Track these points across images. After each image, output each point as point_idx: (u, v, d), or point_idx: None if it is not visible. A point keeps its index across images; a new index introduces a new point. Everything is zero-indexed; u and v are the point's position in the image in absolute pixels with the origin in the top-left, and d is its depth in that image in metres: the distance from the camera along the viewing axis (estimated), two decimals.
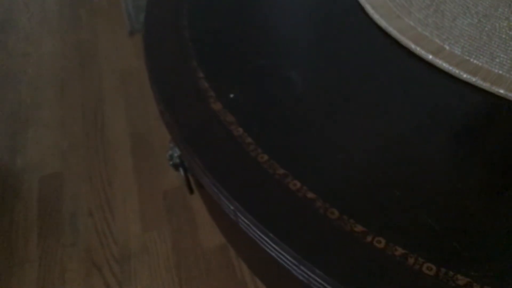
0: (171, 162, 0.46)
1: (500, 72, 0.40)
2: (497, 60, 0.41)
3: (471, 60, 0.41)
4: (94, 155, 1.26)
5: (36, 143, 1.31)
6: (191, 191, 0.47)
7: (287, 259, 0.33)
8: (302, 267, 0.33)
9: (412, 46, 0.43)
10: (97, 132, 1.31)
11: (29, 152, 1.29)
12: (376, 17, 0.45)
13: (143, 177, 1.20)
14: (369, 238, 0.33)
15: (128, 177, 1.21)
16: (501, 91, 0.39)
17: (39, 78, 1.48)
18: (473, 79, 0.40)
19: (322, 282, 0.32)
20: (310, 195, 0.36)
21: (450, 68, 0.41)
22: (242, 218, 0.35)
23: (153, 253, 1.07)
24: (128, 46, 1.52)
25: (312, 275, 0.32)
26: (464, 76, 0.40)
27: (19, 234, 1.12)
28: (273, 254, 0.34)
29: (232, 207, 0.36)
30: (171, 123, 0.41)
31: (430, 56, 0.41)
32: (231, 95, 0.42)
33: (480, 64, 0.41)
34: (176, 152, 0.45)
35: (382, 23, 0.45)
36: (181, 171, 0.45)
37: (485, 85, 0.39)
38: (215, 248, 1.05)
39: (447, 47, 0.42)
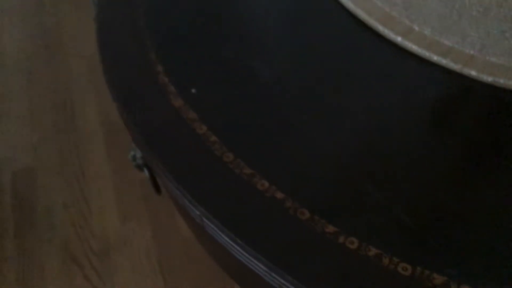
0: (134, 163, 0.43)
1: (472, 52, 0.38)
2: (468, 39, 0.39)
3: (442, 40, 0.39)
4: (65, 146, 1.22)
5: (5, 137, 1.26)
6: (158, 191, 0.45)
7: (257, 265, 0.32)
8: (273, 274, 0.31)
9: (380, 28, 0.40)
10: (67, 122, 1.27)
11: None
12: None
13: (117, 166, 1.17)
14: (341, 239, 0.31)
15: (102, 167, 1.18)
16: (473, 73, 0.37)
17: (4, 69, 1.42)
18: (444, 61, 0.38)
19: None
20: (279, 195, 0.34)
21: (420, 50, 0.39)
22: (208, 223, 0.34)
23: (133, 244, 1.05)
24: (94, 31, 1.47)
25: (284, 282, 0.31)
26: (435, 58, 0.38)
27: None
28: (242, 260, 0.33)
29: (197, 212, 0.34)
30: (129, 123, 0.39)
31: (399, 39, 0.39)
32: (193, 90, 0.40)
33: (451, 44, 0.39)
34: (139, 153, 0.43)
35: (349, 4, 0.42)
36: (146, 172, 0.43)
37: (457, 67, 0.38)
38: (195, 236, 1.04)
39: (417, 28, 0.40)
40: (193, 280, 0.98)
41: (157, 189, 0.45)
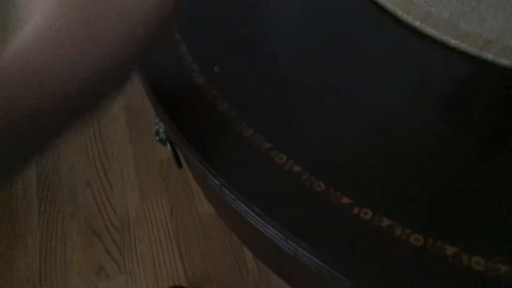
0: (157, 137, 0.45)
1: (489, 36, 0.39)
2: (487, 24, 0.40)
3: (460, 25, 0.40)
4: (89, 128, 1.26)
5: None
6: (179, 165, 0.47)
7: (273, 233, 0.33)
8: (288, 241, 0.33)
9: (399, 12, 0.41)
10: None
11: None
12: None
13: (139, 148, 1.21)
14: (356, 210, 0.33)
15: (124, 148, 1.21)
16: (490, 56, 0.38)
17: None
18: (461, 45, 0.39)
19: (309, 256, 0.32)
20: (296, 168, 0.35)
21: (438, 34, 0.40)
22: (228, 193, 0.35)
23: (152, 220, 1.09)
24: None
25: (299, 249, 0.32)
26: (452, 42, 0.39)
27: (20, 207, 1.14)
28: (259, 228, 0.35)
29: (217, 182, 0.36)
30: (154, 99, 0.41)
31: (418, 23, 0.40)
32: (215, 69, 0.41)
33: (469, 29, 0.40)
34: (162, 127, 0.45)
35: None
36: (168, 146, 0.45)
37: (474, 51, 0.38)
38: (211, 214, 1.07)
39: (435, 13, 0.41)
40: (207, 255, 1.01)
41: (179, 163, 0.47)
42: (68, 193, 1.15)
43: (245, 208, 0.35)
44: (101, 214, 1.10)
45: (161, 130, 0.45)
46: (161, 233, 1.06)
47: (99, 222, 1.09)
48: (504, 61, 0.38)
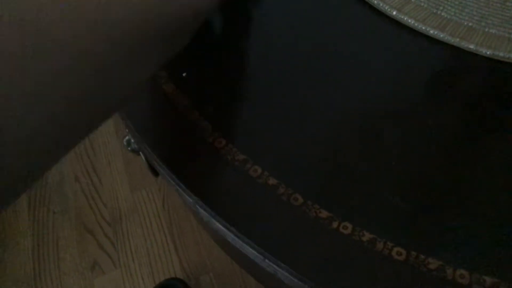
0: (129, 148, 0.43)
1: (470, 24, 0.37)
2: (467, 10, 0.37)
3: (439, 12, 0.37)
4: None
5: None
6: (156, 174, 0.45)
7: (251, 252, 0.32)
8: (266, 260, 0.31)
9: (375, 1, 0.39)
10: None
11: None
12: None
13: None
14: (335, 224, 0.31)
15: (110, 139, 1.19)
16: (471, 46, 0.36)
17: None
18: (440, 35, 0.36)
19: (289, 275, 0.31)
20: (272, 181, 0.34)
21: (416, 24, 0.37)
22: (201, 210, 0.34)
23: (144, 212, 1.07)
24: None
25: (278, 268, 0.31)
26: (431, 32, 0.37)
27: (9, 207, 1.12)
28: (237, 246, 0.33)
29: (190, 200, 0.34)
30: (120, 110, 0.39)
31: (394, 12, 0.38)
32: (184, 74, 0.39)
33: (449, 16, 0.37)
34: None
35: None
36: (142, 156, 0.43)
37: (454, 41, 0.36)
38: None
39: (413, 0, 0.38)
40: (202, 244, 1.01)
41: (154, 172, 0.45)
42: (56, 190, 1.13)
43: (221, 226, 0.33)
44: (91, 209, 1.09)
45: (132, 140, 0.43)
46: (154, 225, 1.05)
47: (90, 217, 1.08)
48: (485, 51, 0.35)
